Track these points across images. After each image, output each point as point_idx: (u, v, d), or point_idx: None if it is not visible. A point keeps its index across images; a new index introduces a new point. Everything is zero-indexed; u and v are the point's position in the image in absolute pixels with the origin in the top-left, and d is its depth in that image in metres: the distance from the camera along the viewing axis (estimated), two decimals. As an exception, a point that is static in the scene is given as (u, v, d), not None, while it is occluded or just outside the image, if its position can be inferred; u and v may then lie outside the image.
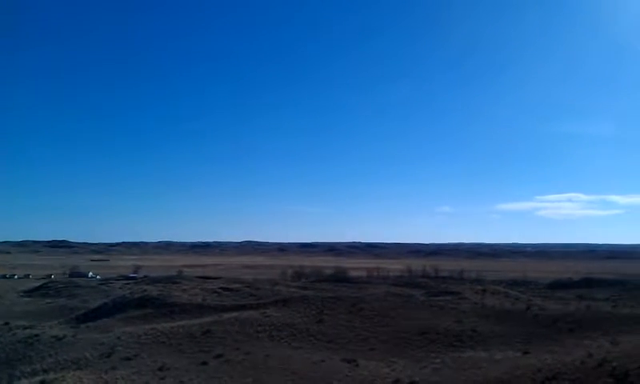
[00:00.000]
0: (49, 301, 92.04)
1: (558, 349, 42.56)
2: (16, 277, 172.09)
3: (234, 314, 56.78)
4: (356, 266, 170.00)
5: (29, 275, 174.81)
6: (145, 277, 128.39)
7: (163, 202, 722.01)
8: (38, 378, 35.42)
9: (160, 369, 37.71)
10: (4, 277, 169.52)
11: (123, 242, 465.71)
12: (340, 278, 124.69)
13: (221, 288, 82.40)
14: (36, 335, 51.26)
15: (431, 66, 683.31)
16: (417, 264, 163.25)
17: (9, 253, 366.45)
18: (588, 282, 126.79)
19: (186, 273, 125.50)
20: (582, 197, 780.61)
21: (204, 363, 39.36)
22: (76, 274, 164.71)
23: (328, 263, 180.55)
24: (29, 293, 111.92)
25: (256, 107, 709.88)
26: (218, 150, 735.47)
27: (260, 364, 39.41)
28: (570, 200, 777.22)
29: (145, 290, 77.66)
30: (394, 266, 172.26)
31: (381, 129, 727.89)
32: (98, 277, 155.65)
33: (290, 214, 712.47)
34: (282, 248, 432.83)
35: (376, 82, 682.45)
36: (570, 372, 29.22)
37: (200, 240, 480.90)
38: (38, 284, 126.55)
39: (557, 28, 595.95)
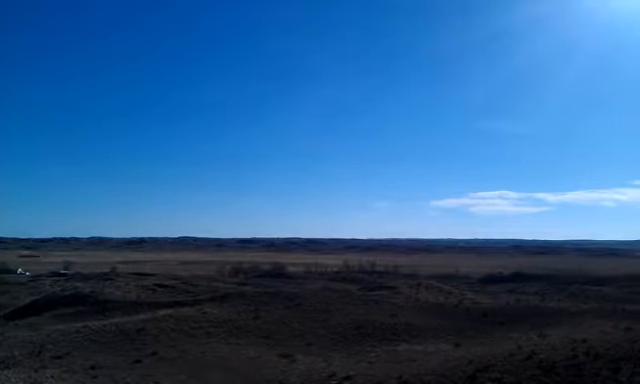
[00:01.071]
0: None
1: (488, 341, 43.98)
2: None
3: (170, 311, 55.98)
4: (294, 262, 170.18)
5: None
6: (76, 273, 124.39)
7: (95, 197, 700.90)
8: (-37, 379, 33.90)
9: (92, 367, 36.80)
10: None
11: (54, 238, 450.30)
12: (278, 273, 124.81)
13: (156, 285, 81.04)
14: (-39, 335, 49.05)
15: (370, 63, 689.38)
16: (354, 259, 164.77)
17: None
18: (518, 277, 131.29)
19: (120, 269, 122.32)
20: (513, 194, 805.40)
21: (137, 361, 38.64)
22: (4, 270, 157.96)
23: (266, 259, 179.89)
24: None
25: (188, 102, 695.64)
26: (151, 145, 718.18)
27: (195, 361, 39.08)
28: (501, 197, 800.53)
29: (76, 287, 75.58)
30: (332, 262, 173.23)
31: (318, 125, 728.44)
32: (27, 273, 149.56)
33: (228, 210, 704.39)
34: (220, 244, 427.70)
35: (313, 77, 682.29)
36: (499, 364, 30.20)
37: (135, 236, 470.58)
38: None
39: (489, 26, 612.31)
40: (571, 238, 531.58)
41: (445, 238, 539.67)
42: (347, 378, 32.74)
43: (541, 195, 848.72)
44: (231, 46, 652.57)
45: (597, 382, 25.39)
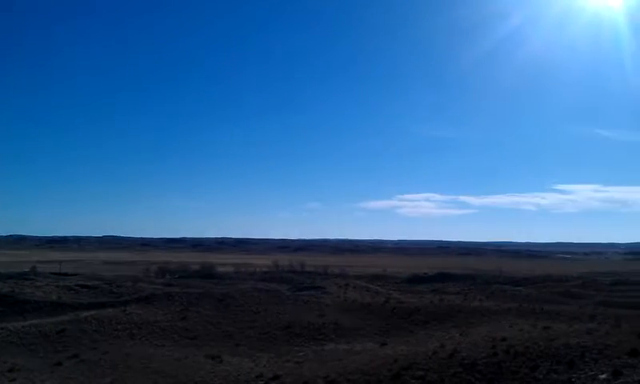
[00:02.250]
0: None
1: (413, 340, 44.96)
2: None
3: (92, 312, 54.34)
4: (224, 262, 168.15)
5: None
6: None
7: (15, 194, 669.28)
8: None
9: (10, 370, 35.36)
10: None
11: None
12: (207, 273, 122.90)
13: (78, 285, 78.20)
14: None
15: (301, 65, 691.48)
16: (284, 259, 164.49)
17: None
18: (442, 277, 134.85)
19: (41, 269, 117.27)
20: (438, 197, 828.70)
21: (58, 364, 37.40)
22: None
23: (195, 259, 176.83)
24: None
25: (113, 98, 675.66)
26: (74, 141, 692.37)
27: (119, 363, 38.09)
28: (427, 199, 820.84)
29: (-7, 288, 72.06)
30: (262, 262, 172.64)
31: (248, 126, 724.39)
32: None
33: (154, 208, 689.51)
34: (146, 243, 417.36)
35: (242, 77, 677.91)
36: (423, 362, 30.91)
37: (56, 234, 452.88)
38: None
39: (420, 32, 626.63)
40: (493, 240, 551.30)
41: (373, 238, 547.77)
42: (275, 378, 32.74)
43: (465, 198, 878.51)
44: (158, 42, 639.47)
45: (516, 380, 26.35)
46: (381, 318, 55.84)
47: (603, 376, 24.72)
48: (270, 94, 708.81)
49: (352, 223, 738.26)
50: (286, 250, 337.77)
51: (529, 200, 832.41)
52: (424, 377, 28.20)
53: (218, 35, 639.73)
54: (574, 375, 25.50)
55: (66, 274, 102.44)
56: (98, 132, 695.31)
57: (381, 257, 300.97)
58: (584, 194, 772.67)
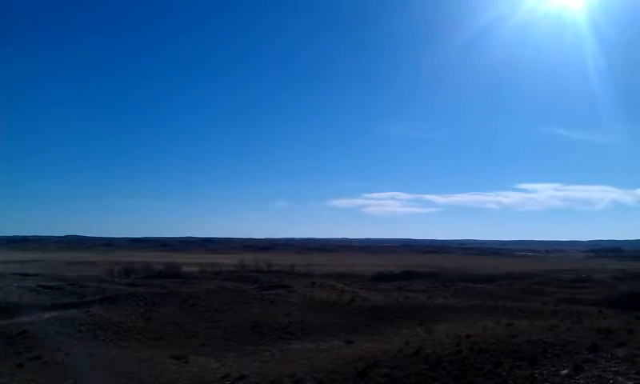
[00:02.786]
0: None
1: (379, 338, 45.22)
2: None
3: (55, 314, 53.26)
4: (189, 262, 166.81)
5: None
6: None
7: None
8: None
9: (-31, 373, 34.37)
10: None
11: None
12: (172, 273, 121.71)
13: (40, 286, 76.87)
14: None
15: (267, 63, 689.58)
16: (250, 258, 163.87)
17: None
18: (407, 275, 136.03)
19: (1, 269, 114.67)
20: (403, 195, 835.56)
21: (19, 365, 36.52)
22: None
23: (160, 259, 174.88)
24: None
25: (75, 97, 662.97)
26: (34, 140, 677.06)
27: (82, 364, 37.38)
28: (392, 198, 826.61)
29: (-50, 289, 70.15)
30: (228, 261, 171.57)
31: (216, 124, 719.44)
32: None
33: (118, 207, 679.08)
34: (110, 243, 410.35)
35: (211, 75, 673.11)
36: (389, 359, 31.15)
37: (17, 234, 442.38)
38: None
39: (387, 30, 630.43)
40: (457, 238, 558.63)
41: (339, 237, 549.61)
42: (241, 377, 32.55)
43: (430, 197, 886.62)
44: (128, 40, 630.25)
45: (479, 376, 26.72)
46: (347, 317, 56.02)
47: (565, 371, 25.25)
48: (238, 94, 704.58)
49: (319, 222, 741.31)
50: (252, 249, 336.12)
51: (492, 199, 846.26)
52: (390, 374, 28.38)
53: (178, 33, 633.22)
54: (537, 371, 25.99)
55: (27, 275, 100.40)
56: (58, 130, 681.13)
57: (347, 255, 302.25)
58: (545, 192, 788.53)
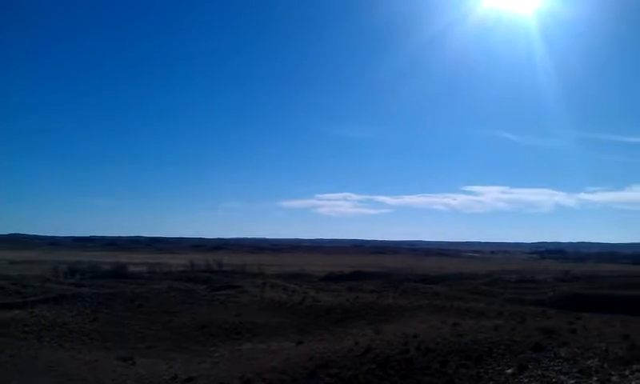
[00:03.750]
0: None
1: (329, 338, 45.37)
2: None
3: (-3, 315, 51.56)
4: (137, 261, 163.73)
5: None
6: None
7: None
8: None
9: None
10: None
11: None
12: (119, 273, 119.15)
13: (-19, 286, 74.07)
14: None
15: (219, 63, 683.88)
16: (201, 258, 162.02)
17: None
18: (358, 275, 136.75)
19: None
20: (355, 196, 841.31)
21: (-41, 368, 35.20)
22: None
23: (106, 258, 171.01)
24: None
25: (22, 95, 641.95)
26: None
27: (26, 366, 36.35)
28: (344, 199, 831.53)
29: None
30: (178, 261, 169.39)
31: (165, 124, 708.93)
32: None
33: (63, 205, 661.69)
34: (55, 242, 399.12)
35: (159, 74, 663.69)
36: (338, 359, 31.31)
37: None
38: None
39: (340, 33, 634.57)
40: (407, 239, 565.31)
41: (291, 237, 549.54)
42: (189, 379, 32.24)
43: (380, 198, 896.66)
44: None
45: (426, 375, 27.16)
46: (297, 317, 56.07)
47: (509, 370, 25.89)
48: (187, 93, 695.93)
49: (271, 222, 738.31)
50: (202, 248, 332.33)
51: (440, 200, 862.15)
52: (339, 374, 28.55)
53: (130, 34, 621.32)
54: (482, 370, 26.58)
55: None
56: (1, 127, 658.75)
57: (299, 255, 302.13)
58: (491, 195, 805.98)
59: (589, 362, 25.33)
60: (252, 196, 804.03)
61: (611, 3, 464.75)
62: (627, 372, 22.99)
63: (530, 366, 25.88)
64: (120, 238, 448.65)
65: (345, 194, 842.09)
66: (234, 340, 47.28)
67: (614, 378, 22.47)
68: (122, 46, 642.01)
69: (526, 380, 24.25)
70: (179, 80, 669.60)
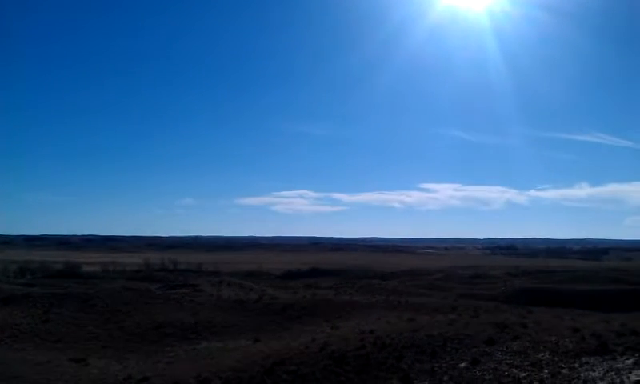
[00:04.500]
0: None
1: (286, 335, 45.44)
2: None
3: (-56, 316, 49.83)
4: (90, 261, 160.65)
5: None
6: None
7: None
8: None
9: None
10: None
11: None
12: (71, 273, 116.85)
13: None
14: None
15: (175, 62, 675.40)
16: (155, 257, 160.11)
17: None
18: (315, 272, 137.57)
19: None
20: (312, 194, 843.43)
21: None
22: None
23: (58, 258, 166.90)
24: None
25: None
26: None
27: (-26, 370, 35.14)
28: (301, 196, 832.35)
29: None
30: (132, 260, 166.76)
31: (118, 120, 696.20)
32: None
33: (12, 203, 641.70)
34: (5, 241, 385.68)
35: (115, 73, 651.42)
36: (295, 356, 31.35)
37: None
38: None
39: (299, 32, 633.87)
40: (363, 236, 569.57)
41: (248, 235, 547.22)
42: (144, 379, 31.78)
43: (337, 195, 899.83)
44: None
45: (382, 370, 27.45)
46: (254, 315, 55.87)
47: (463, 364, 26.36)
48: (143, 90, 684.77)
49: (227, 220, 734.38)
50: (157, 247, 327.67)
51: (396, 197, 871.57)
52: (296, 371, 28.61)
53: (82, 31, 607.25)
54: (437, 364, 26.99)
55: None
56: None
57: (256, 253, 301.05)
58: (445, 192, 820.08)
59: (540, 355, 25.96)
60: (208, 194, 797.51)
61: (562, 4, 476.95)
62: (577, 364, 23.63)
63: (483, 360, 26.39)
64: (72, 236, 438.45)
65: (301, 191, 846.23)
66: (190, 339, 46.82)
67: (564, 371, 23.04)
68: (79, 44, 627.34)
69: (479, 373, 24.68)
70: (134, 77, 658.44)
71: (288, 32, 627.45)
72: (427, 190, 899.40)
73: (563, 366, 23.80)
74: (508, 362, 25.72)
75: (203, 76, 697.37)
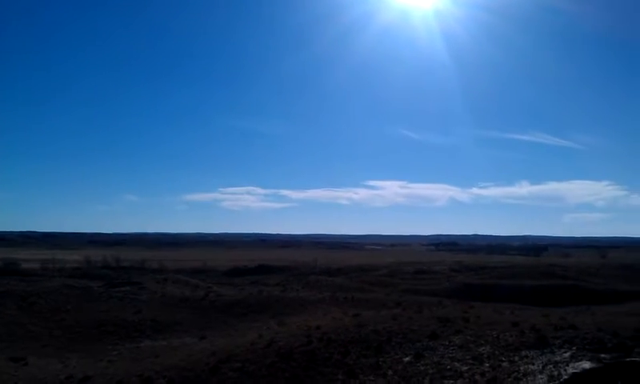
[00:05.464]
0: None
1: (232, 332, 45.24)
2: None
3: None
4: (29, 258, 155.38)
5: None
6: None
7: None
8: None
9: None
10: None
11: None
12: (9, 270, 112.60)
13: None
14: None
15: (124, 59, 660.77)
16: (97, 254, 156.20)
17: None
18: (262, 269, 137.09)
19: None
20: (260, 190, 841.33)
21: None
22: None
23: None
24: None
25: None
26: None
27: None
28: (248, 193, 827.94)
29: None
30: (73, 257, 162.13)
31: (61, 114, 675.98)
32: None
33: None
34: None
35: (66, 71, 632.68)
36: (241, 353, 31.21)
37: None
38: None
39: (248, 29, 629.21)
40: (311, 232, 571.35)
41: (194, 232, 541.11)
42: (85, 378, 31.03)
43: (285, 192, 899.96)
44: None
45: (328, 366, 27.63)
46: (200, 313, 55.42)
47: (407, 359, 26.80)
48: (88, 85, 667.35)
49: (173, 216, 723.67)
50: (100, 244, 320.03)
51: (343, 195, 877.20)
52: (242, 368, 28.50)
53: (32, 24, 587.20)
54: (382, 359, 27.37)
55: None
56: None
57: (202, 250, 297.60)
58: (391, 189, 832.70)
59: (481, 349, 26.64)
60: (153, 190, 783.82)
61: (507, 7, 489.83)
62: (516, 358, 24.35)
63: (427, 354, 26.91)
64: (10, 232, 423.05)
65: (249, 187, 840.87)
66: (133, 338, 46.05)
67: (504, 364, 23.71)
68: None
69: (422, 368, 25.15)
70: (76, 71, 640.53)
71: (238, 29, 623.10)
72: (374, 188, 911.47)
73: (504, 359, 24.47)
74: (450, 355, 26.29)
75: (150, 71, 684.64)
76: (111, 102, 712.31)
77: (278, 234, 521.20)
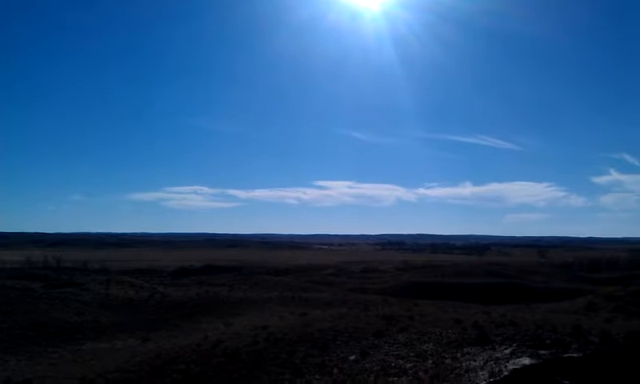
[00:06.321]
0: None
1: (178, 334, 44.68)
2: None
3: None
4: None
5: None
6: None
7: None
8: None
9: None
10: None
11: None
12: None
13: None
14: None
15: (77, 57, 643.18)
16: (38, 255, 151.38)
17: None
18: (209, 269, 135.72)
19: None
20: (207, 190, 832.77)
21: None
22: None
23: None
24: None
25: None
26: None
27: None
28: (195, 192, 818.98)
29: None
30: (12, 258, 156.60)
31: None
32: None
33: None
34: None
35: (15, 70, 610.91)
36: (187, 354, 30.95)
37: None
38: None
39: (196, 27, 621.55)
40: (259, 232, 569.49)
41: (139, 231, 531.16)
42: (25, 381, 30.14)
43: (232, 191, 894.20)
44: None
45: (275, 366, 27.66)
46: (145, 314, 54.52)
47: (353, 357, 27.11)
48: (31, 84, 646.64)
49: (116, 216, 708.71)
50: (41, 244, 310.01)
51: (292, 194, 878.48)
52: (186, 370, 28.24)
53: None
54: (327, 357, 27.59)
55: None
56: None
57: (147, 251, 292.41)
58: (339, 189, 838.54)
59: (424, 346, 27.20)
60: (97, 189, 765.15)
61: (454, 12, 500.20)
62: (459, 354, 24.97)
63: (372, 352, 27.29)
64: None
65: (196, 187, 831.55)
66: (75, 340, 44.87)
67: (447, 361, 24.27)
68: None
69: (367, 365, 25.47)
70: (23, 67, 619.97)
71: (187, 28, 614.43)
72: (322, 187, 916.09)
73: (446, 356, 25.05)
74: (395, 353, 26.73)
75: (96, 67, 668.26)
76: (55, 100, 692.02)
77: (225, 234, 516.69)
